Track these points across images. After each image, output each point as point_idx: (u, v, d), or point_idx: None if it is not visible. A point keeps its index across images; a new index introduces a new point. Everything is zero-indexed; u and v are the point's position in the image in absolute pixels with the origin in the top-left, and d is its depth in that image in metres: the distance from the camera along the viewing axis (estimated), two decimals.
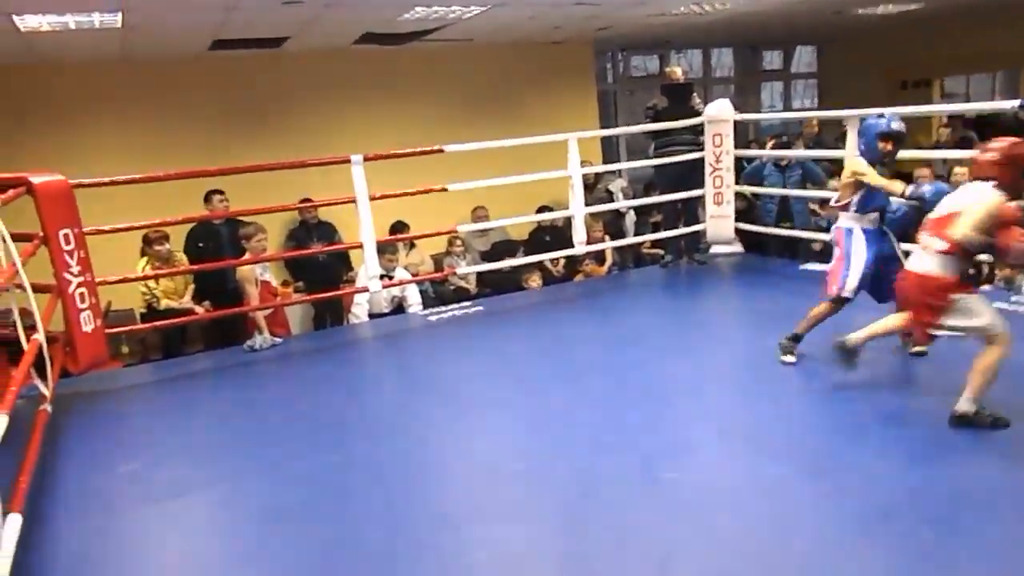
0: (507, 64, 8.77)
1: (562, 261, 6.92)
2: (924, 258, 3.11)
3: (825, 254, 6.24)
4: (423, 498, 2.84)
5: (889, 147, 3.68)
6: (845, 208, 3.78)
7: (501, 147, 5.55)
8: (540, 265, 6.72)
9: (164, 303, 5.51)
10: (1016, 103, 4.98)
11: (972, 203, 3.01)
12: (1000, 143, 3.10)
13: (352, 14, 6.09)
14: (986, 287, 5.15)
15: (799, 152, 6.74)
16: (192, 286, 5.74)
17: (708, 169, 6.04)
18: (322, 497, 2.88)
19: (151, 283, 5.49)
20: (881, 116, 3.81)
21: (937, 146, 7.92)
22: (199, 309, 5.59)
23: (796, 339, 3.85)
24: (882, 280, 3.67)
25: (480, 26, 7.12)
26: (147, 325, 5.49)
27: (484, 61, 8.60)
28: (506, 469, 2.99)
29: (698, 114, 6.03)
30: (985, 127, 8.22)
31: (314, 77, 7.82)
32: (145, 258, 5.49)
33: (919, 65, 10.58)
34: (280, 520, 2.73)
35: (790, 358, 3.82)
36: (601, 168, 8.02)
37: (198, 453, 3.40)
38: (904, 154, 6.38)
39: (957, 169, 6.35)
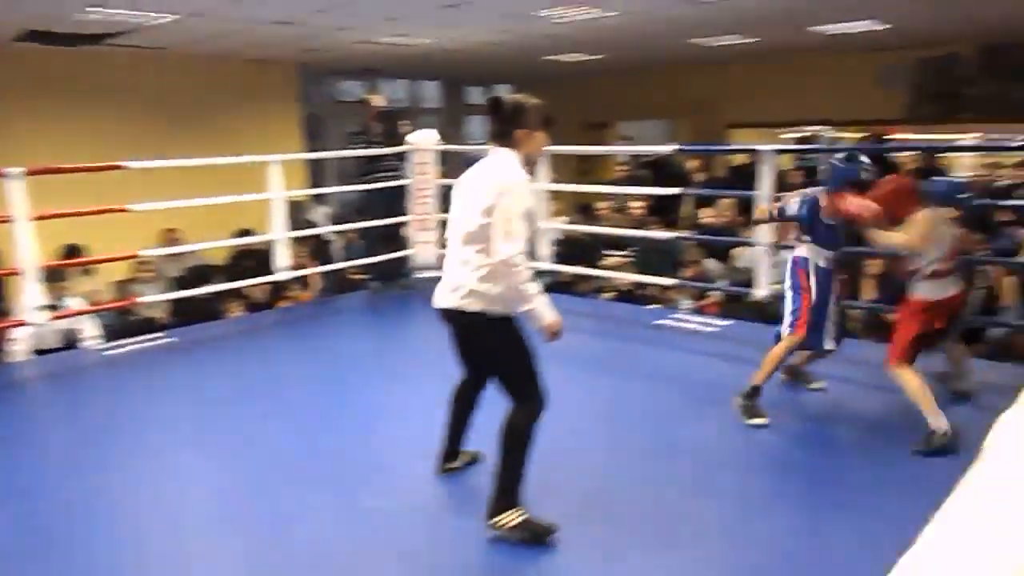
0: (205, 77, 8.24)
1: (266, 287, 6.61)
2: None
3: None
4: (93, 555, 2.50)
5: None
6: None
7: (196, 166, 5.16)
8: (242, 291, 6.34)
9: None
10: (674, 147, 5.81)
11: None
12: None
13: (6, 6, 5.29)
14: (651, 307, 5.87)
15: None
16: None
17: (413, 196, 6.18)
18: None
19: None
20: (851, 159, 3.49)
21: (614, 183, 8.91)
22: None
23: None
24: None
25: (172, 35, 6.60)
26: None
27: (179, 72, 7.99)
28: (194, 514, 2.75)
29: (404, 141, 6.15)
30: (658, 168, 9.44)
31: None
32: None
33: (600, 109, 11.90)
34: None
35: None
36: (303, 192, 7.83)
37: None
38: (585, 188, 7.07)
39: (632, 203, 7.19)
